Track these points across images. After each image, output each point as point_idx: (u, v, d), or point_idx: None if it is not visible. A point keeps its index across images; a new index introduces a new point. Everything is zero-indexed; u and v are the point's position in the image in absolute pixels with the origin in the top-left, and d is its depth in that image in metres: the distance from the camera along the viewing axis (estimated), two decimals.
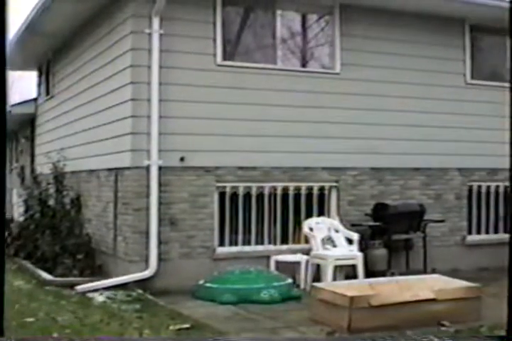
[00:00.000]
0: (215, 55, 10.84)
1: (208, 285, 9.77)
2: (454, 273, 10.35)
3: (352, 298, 7.76)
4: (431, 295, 8.15)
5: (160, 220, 10.36)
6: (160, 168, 10.36)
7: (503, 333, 7.40)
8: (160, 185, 10.37)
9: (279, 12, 11.43)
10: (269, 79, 11.21)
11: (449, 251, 12.45)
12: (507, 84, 13.16)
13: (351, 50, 11.78)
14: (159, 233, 10.33)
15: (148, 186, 10.31)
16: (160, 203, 10.35)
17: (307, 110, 11.41)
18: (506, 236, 12.98)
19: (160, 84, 10.33)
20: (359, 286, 8.74)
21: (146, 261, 10.25)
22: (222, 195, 10.98)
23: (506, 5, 11.81)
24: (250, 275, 9.85)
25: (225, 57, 10.96)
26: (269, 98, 11.15)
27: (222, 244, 10.97)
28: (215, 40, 10.84)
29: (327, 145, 11.54)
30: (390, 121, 11.99)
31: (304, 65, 11.79)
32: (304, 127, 11.38)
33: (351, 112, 11.72)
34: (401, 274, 10.55)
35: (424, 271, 11.39)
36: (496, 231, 13.22)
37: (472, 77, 12.90)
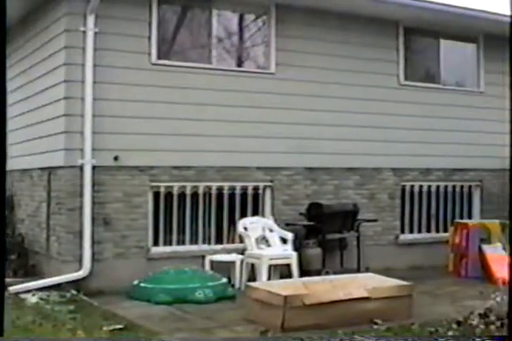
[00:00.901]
0: (149, 53, 10.77)
1: (142, 285, 9.72)
2: (387, 272, 10.47)
3: (286, 297, 7.82)
4: (364, 294, 8.24)
5: (94, 220, 10.25)
6: (94, 168, 10.26)
7: (433, 330, 7.57)
8: (94, 184, 10.27)
9: (215, 11, 11.40)
10: (204, 78, 11.18)
11: (382, 250, 12.58)
12: (439, 86, 13.50)
13: (286, 51, 11.82)
14: (93, 233, 10.23)
15: (81, 185, 10.20)
16: (94, 203, 10.25)
17: (242, 110, 11.42)
18: (438, 235, 13.27)
19: (94, 82, 10.23)
20: (293, 285, 8.80)
21: (80, 261, 10.14)
22: (156, 195, 10.93)
23: (440, 7, 12.10)
24: (185, 275, 9.82)
25: (160, 56, 10.90)
26: (205, 97, 11.12)
27: (156, 243, 10.92)
28: (150, 38, 10.77)
29: (262, 145, 11.56)
30: (324, 121, 12.06)
31: (239, 65, 11.80)
32: (239, 127, 11.38)
33: (286, 112, 11.75)
34: (335, 273, 10.62)
35: (358, 270, 11.50)
36: (429, 231, 13.42)
37: (406, 78, 13.06)
